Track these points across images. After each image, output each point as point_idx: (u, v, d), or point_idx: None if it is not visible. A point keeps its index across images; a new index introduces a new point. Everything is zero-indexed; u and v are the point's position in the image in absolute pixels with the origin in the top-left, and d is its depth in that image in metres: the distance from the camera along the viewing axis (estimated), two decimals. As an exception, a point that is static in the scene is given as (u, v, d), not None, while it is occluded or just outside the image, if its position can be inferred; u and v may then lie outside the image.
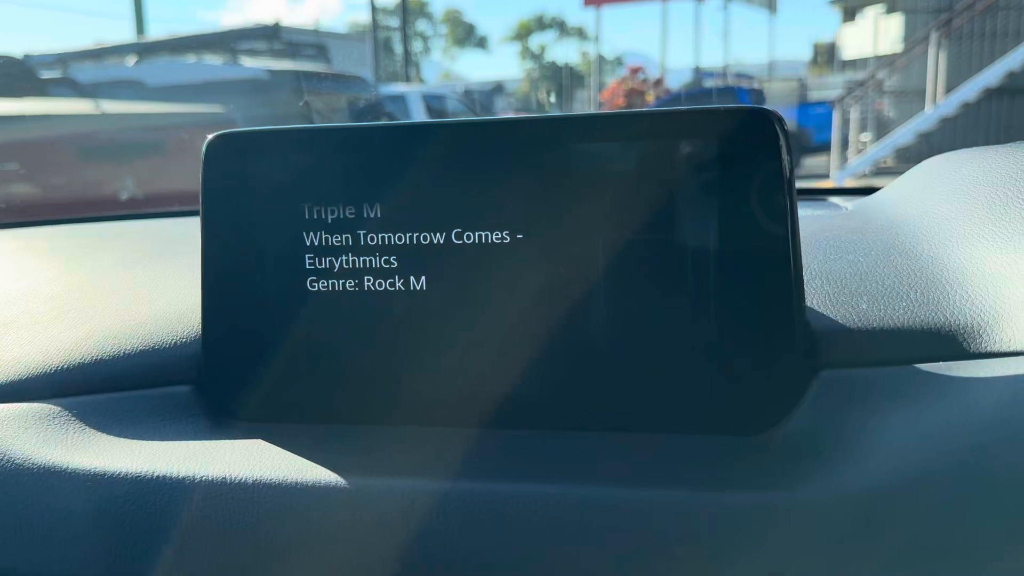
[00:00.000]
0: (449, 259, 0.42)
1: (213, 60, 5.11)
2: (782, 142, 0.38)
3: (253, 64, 4.96)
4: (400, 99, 8.14)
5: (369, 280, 0.43)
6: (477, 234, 0.42)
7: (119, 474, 0.40)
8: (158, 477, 0.39)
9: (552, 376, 0.42)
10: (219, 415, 0.45)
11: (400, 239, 0.43)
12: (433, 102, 8.66)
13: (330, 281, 0.44)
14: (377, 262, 0.43)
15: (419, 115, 7.88)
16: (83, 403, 0.45)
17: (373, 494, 0.38)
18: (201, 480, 0.39)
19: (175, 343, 0.47)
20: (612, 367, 0.41)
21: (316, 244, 0.44)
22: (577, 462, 0.39)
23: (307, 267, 0.44)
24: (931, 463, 0.34)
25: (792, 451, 0.37)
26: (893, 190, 0.61)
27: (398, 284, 0.43)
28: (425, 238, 0.42)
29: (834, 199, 0.81)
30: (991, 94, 7.65)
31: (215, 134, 0.44)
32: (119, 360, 0.46)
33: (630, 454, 0.39)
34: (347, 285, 0.44)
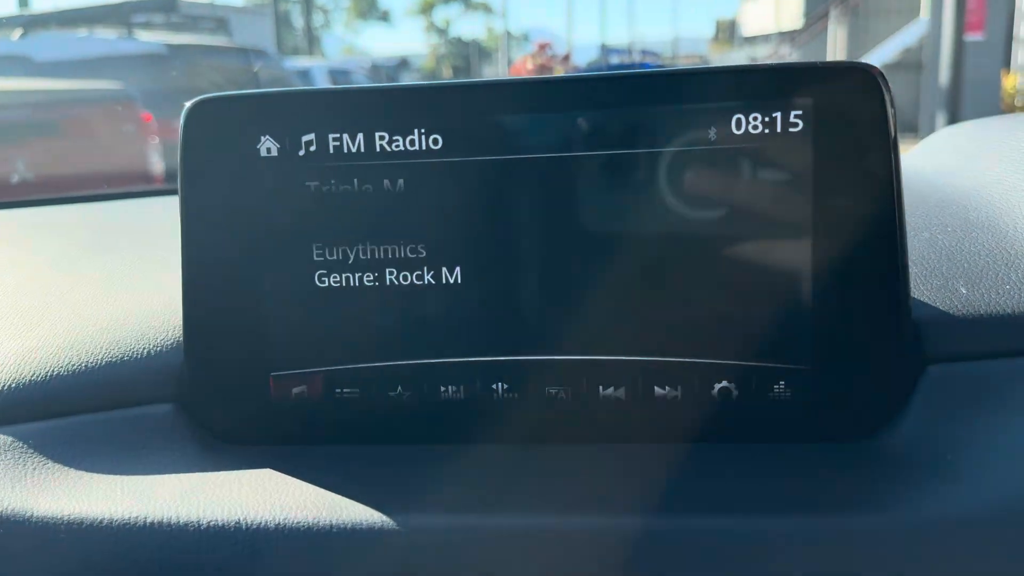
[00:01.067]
0: (489, 248, 0.36)
1: (106, 34, 4.81)
2: (887, 99, 0.33)
3: (150, 38, 4.70)
4: (305, 74, 7.90)
5: (392, 273, 0.36)
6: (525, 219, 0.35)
7: (99, 519, 0.32)
8: (151, 521, 0.32)
9: (617, 380, 0.36)
10: (208, 439, 0.38)
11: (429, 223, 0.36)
12: (339, 77, 8.44)
13: (344, 275, 0.37)
14: (402, 251, 0.36)
15: (326, 91, 7.62)
16: (42, 430, 0.36)
17: (429, 532, 0.31)
18: (209, 524, 0.32)
19: (150, 353, 0.39)
20: (686, 369, 0.35)
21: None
22: (649, 483, 0.33)
23: (315, 258, 0.37)
24: None
25: (905, 460, 0.33)
26: (926, 158, 0.57)
27: (427, 277, 0.36)
28: (460, 222, 0.36)
29: None
30: (889, 69, 7.91)
31: (196, 99, 0.36)
32: (82, 375, 0.38)
33: (715, 471, 0.33)
34: (365, 280, 0.37)
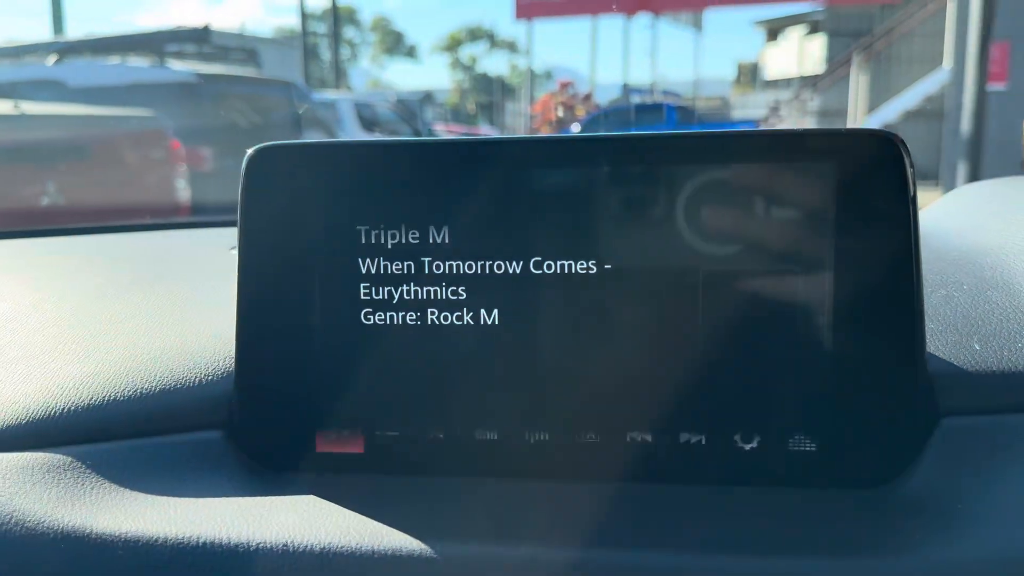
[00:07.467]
0: (526, 291, 0.38)
1: (139, 62, 4.92)
2: (908, 171, 0.35)
3: (181, 67, 4.80)
4: (331, 106, 8.03)
5: (433, 313, 0.39)
6: (559, 263, 0.38)
7: (155, 538, 0.34)
8: (203, 542, 0.34)
9: (644, 425, 0.38)
10: (254, 466, 0.40)
11: (470, 267, 0.38)
12: (364, 110, 8.57)
13: (388, 314, 0.39)
14: (443, 293, 0.38)
15: (351, 122, 7.80)
16: (99, 452, 0.38)
17: (461, 560, 0.33)
18: (257, 547, 0.33)
19: (200, 382, 0.41)
20: (711, 415, 0.37)
21: (373, 272, 0.39)
22: (671, 523, 0.35)
23: (362, 297, 0.39)
24: None
25: (915, 508, 0.34)
26: (946, 215, 0.59)
27: (466, 318, 0.38)
28: (499, 267, 0.38)
29: None
30: (910, 117, 7.93)
31: (257, 147, 0.39)
32: (135, 400, 0.40)
33: (734, 514, 0.35)
34: (408, 319, 0.39)
